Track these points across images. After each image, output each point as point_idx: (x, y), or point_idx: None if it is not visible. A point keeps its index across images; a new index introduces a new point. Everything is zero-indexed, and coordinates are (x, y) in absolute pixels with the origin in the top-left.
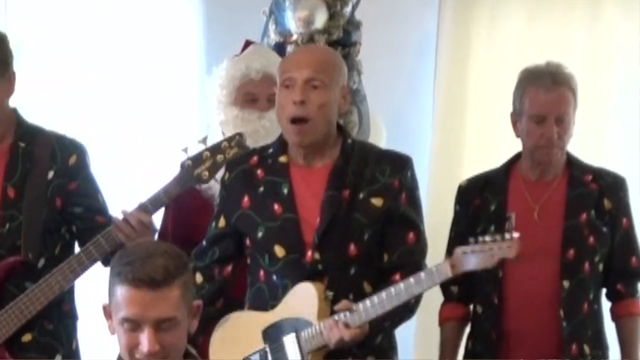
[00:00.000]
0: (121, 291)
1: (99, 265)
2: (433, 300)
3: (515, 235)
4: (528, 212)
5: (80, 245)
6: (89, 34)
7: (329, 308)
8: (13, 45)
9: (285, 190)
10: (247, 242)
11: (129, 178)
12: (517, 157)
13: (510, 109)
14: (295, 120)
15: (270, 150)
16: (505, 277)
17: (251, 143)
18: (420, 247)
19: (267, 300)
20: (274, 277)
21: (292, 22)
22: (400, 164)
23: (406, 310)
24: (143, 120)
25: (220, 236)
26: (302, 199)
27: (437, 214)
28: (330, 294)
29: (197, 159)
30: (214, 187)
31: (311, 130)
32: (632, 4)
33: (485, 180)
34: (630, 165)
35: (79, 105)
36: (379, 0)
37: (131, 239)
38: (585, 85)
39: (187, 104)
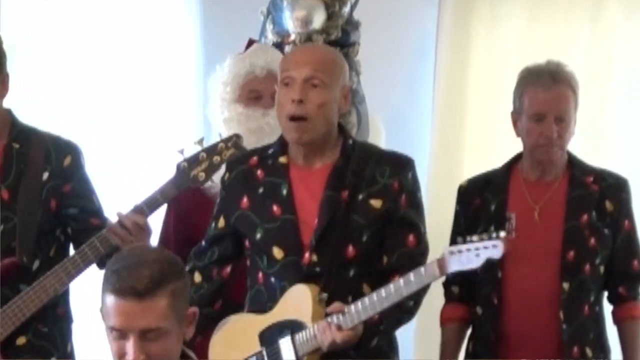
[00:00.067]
0: (108, 299)
1: (94, 267)
2: (433, 300)
3: (502, 234)
4: (528, 213)
5: (75, 248)
6: (85, 34)
7: (323, 310)
8: (7, 46)
9: (285, 191)
10: (247, 243)
11: (125, 179)
12: (517, 158)
13: (511, 110)
14: (294, 118)
15: (271, 151)
16: (504, 277)
17: (255, 140)
18: (420, 250)
19: (266, 303)
20: (272, 279)
21: (290, 22)
22: (400, 165)
23: (403, 312)
24: (139, 121)
25: (219, 236)
26: (301, 199)
27: (436, 215)
28: (324, 295)
29: (194, 161)
30: (216, 186)
31: (310, 128)
32: (634, 3)
33: (486, 181)
34: (633, 166)
35: (74, 105)
36: (377, 0)
37: (126, 242)
38: (587, 86)
39: (184, 104)
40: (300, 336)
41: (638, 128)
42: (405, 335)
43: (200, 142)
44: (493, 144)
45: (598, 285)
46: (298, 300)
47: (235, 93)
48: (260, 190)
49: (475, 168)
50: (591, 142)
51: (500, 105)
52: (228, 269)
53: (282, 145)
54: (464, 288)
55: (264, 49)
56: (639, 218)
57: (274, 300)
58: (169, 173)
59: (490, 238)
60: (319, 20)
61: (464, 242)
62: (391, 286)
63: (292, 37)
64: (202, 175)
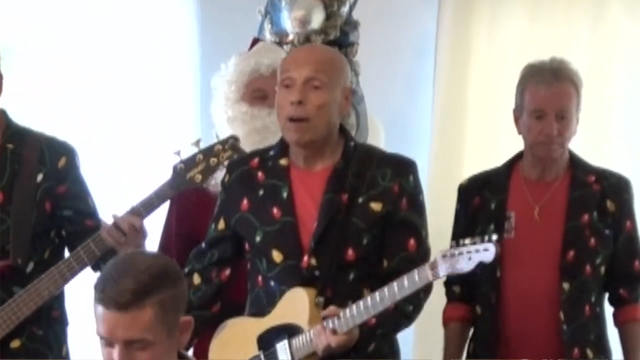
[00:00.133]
0: (96, 307)
1: (89, 269)
2: (433, 300)
3: (494, 237)
4: (528, 212)
5: (70, 250)
6: (82, 35)
7: (320, 314)
8: (3, 46)
9: (285, 194)
10: (246, 246)
11: (121, 180)
12: (518, 157)
13: (511, 111)
14: (293, 119)
15: (271, 153)
16: (503, 277)
17: (260, 140)
18: (421, 254)
19: (265, 306)
20: (272, 283)
21: (288, 22)
22: (401, 168)
23: (401, 317)
24: (135, 122)
25: (219, 239)
26: (301, 202)
27: (436, 216)
28: (321, 299)
29: (190, 162)
30: (220, 185)
31: (310, 129)
32: (636, 2)
33: (486, 179)
34: (634, 166)
35: (69, 105)
36: (376, 0)
37: (120, 244)
38: (588, 86)
39: (181, 105)
40: (297, 340)
41: None
42: (405, 336)
43: (197, 143)
44: (493, 144)
45: (599, 286)
46: (296, 304)
47: (239, 92)
48: (261, 192)
49: (475, 168)
50: (592, 142)
51: (500, 105)
52: (227, 272)
53: (282, 147)
54: (465, 287)
55: (270, 48)
56: None
57: (273, 304)
58: (166, 174)
59: (482, 241)
60: (317, 20)
61: (457, 245)
62: (385, 290)
63: (290, 37)
64: (199, 177)
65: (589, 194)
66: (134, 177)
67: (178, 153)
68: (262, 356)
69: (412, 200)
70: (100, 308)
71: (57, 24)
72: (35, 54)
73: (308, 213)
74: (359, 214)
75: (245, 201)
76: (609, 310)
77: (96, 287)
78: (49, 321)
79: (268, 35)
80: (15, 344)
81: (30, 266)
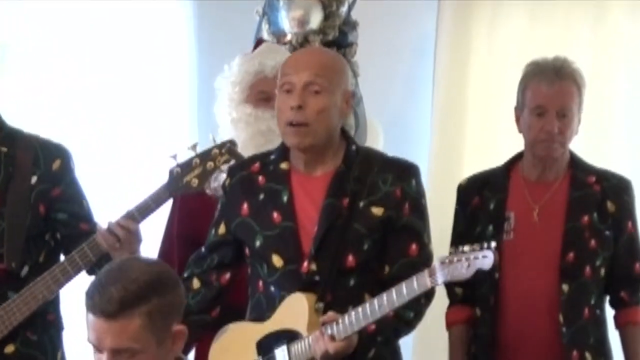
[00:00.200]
0: (87, 314)
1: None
2: (432, 305)
3: (493, 244)
4: (528, 213)
5: (65, 253)
6: (78, 37)
7: (319, 320)
8: None
9: (285, 198)
10: (247, 250)
11: (117, 183)
12: (518, 157)
13: (512, 112)
14: (293, 124)
15: (272, 157)
16: (502, 279)
17: (264, 142)
18: (423, 259)
19: (265, 311)
20: (272, 288)
21: (286, 22)
22: (403, 172)
23: (402, 323)
24: (132, 124)
25: (219, 243)
26: (302, 207)
27: (436, 218)
28: (321, 305)
29: (187, 166)
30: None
31: (310, 134)
32: (636, 3)
33: (485, 179)
34: (635, 166)
35: (65, 108)
36: (375, 0)
37: (115, 249)
38: (589, 86)
39: (178, 106)
40: (295, 346)
41: None
42: (405, 340)
43: (194, 147)
44: (493, 144)
45: (599, 288)
46: (295, 309)
47: (244, 93)
48: (261, 196)
49: (475, 168)
50: (592, 142)
51: (500, 105)
52: (227, 276)
53: (283, 151)
54: (467, 289)
55: (274, 49)
56: None
57: (273, 309)
58: (162, 178)
59: (481, 248)
60: (315, 20)
61: (456, 252)
62: (384, 297)
63: (288, 37)
64: (195, 181)
65: (589, 195)
66: (129, 180)
67: (174, 157)
68: None
69: (415, 205)
70: (89, 315)
71: (52, 25)
72: (32, 54)
73: (308, 218)
74: (360, 219)
75: (245, 206)
76: (610, 312)
77: (87, 294)
78: (44, 326)
79: (266, 36)
80: (9, 349)
81: (25, 270)
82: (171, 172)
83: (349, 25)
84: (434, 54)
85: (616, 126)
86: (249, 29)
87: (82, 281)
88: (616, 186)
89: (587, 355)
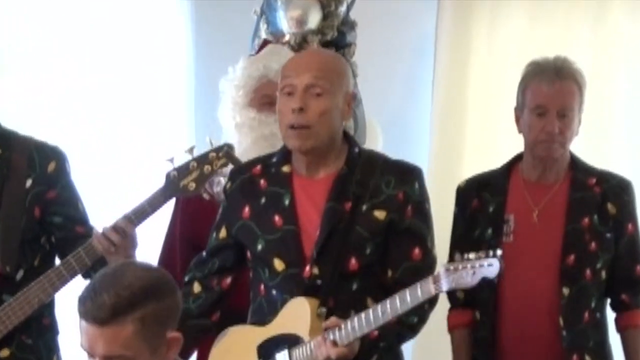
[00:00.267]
0: (79, 320)
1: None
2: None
3: (499, 252)
4: (527, 215)
5: (60, 256)
6: (74, 36)
7: (321, 325)
8: None
9: (287, 201)
10: (248, 254)
11: (114, 186)
12: (518, 158)
13: (512, 112)
14: (294, 127)
15: (274, 159)
16: (502, 281)
17: (268, 146)
18: (427, 263)
19: (266, 315)
20: (274, 292)
21: (285, 22)
22: (406, 175)
23: (405, 329)
24: (129, 125)
25: (220, 247)
26: (303, 210)
27: (436, 218)
28: (323, 310)
29: (184, 170)
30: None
31: (312, 136)
32: (637, 3)
33: (484, 181)
34: (635, 167)
35: (63, 110)
36: (374, 0)
37: (110, 253)
38: (589, 86)
39: (175, 108)
40: (297, 351)
41: None
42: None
43: (191, 150)
44: (493, 144)
45: (600, 291)
46: (297, 314)
47: (247, 97)
48: (262, 200)
49: (475, 168)
50: (592, 142)
51: (500, 106)
52: (228, 280)
53: (285, 153)
54: (468, 293)
55: (279, 51)
56: None
57: (274, 313)
58: (159, 181)
59: (487, 256)
60: (314, 20)
61: (461, 259)
62: (387, 303)
63: (287, 37)
64: (192, 184)
65: (589, 197)
66: (125, 182)
67: (171, 160)
68: None
69: (418, 208)
70: (82, 321)
71: (49, 25)
72: (31, 55)
73: (310, 221)
74: (363, 222)
75: (246, 209)
76: (610, 315)
77: (79, 299)
78: (39, 330)
79: (264, 36)
80: (4, 353)
81: (20, 274)
82: (168, 175)
83: (347, 25)
84: (434, 54)
85: (616, 126)
86: (247, 29)
87: (78, 285)
88: (616, 187)
89: (587, 358)
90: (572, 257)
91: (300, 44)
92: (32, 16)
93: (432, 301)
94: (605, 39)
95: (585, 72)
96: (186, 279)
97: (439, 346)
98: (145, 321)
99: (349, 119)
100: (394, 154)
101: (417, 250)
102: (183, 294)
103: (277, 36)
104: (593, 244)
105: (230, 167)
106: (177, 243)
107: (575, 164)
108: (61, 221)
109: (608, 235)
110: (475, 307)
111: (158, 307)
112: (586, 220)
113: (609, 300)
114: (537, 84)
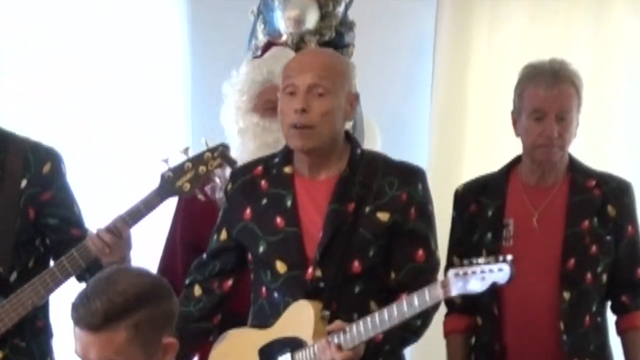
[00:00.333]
0: (73, 325)
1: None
2: None
3: (509, 257)
4: (527, 219)
5: (55, 259)
6: (71, 37)
7: (325, 328)
8: None
9: (289, 203)
10: (250, 256)
11: (109, 187)
12: (516, 161)
13: (511, 110)
14: (297, 127)
15: (276, 160)
16: (502, 287)
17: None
18: (430, 265)
19: (268, 318)
20: (276, 294)
21: (282, 22)
22: (409, 177)
23: (409, 332)
24: (124, 125)
25: (221, 249)
26: (306, 212)
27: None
28: (327, 313)
29: (179, 170)
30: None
31: (314, 136)
32: (637, 2)
33: (483, 185)
34: (635, 167)
35: (59, 110)
36: (373, 0)
37: (105, 254)
38: (589, 86)
39: (171, 108)
40: (300, 354)
41: None
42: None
43: (186, 151)
44: (493, 145)
45: (600, 295)
46: (300, 317)
47: (251, 102)
48: (264, 201)
49: (475, 169)
50: (592, 142)
51: (500, 106)
52: (229, 282)
53: (286, 154)
54: (466, 298)
55: (283, 55)
56: None
57: (276, 316)
58: (154, 182)
59: (497, 261)
60: (311, 20)
61: (470, 264)
62: (394, 308)
63: (284, 37)
64: (187, 185)
65: (589, 199)
66: (120, 183)
67: (166, 161)
68: None
69: (421, 210)
70: (75, 327)
71: (47, 25)
72: (30, 55)
73: (313, 223)
74: (366, 224)
75: (248, 210)
76: (611, 318)
77: (72, 305)
78: (33, 332)
79: (261, 36)
80: None
81: (14, 275)
82: (163, 176)
83: (345, 26)
84: (433, 54)
85: (616, 126)
86: (244, 29)
87: (73, 287)
88: (616, 189)
89: None
90: (572, 261)
91: (297, 45)
92: (32, 16)
93: (435, 305)
94: (606, 39)
95: (585, 72)
96: (187, 281)
97: (438, 350)
98: (139, 327)
99: (351, 119)
100: (393, 154)
101: (420, 252)
102: (184, 297)
103: (274, 36)
104: (593, 248)
105: (228, 168)
106: (178, 248)
107: (573, 165)
108: (56, 223)
109: (608, 238)
110: (473, 312)
111: (152, 313)
112: (586, 223)
113: (609, 303)
114: (534, 88)
